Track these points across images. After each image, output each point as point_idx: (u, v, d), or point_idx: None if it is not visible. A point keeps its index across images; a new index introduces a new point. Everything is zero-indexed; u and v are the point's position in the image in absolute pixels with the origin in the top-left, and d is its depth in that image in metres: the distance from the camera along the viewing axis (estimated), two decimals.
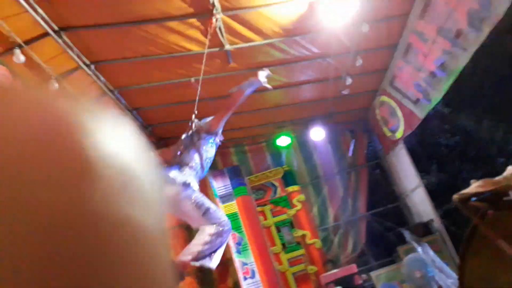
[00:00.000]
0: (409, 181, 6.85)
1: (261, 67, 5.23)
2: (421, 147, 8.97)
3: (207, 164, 3.27)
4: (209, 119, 3.37)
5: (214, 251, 2.96)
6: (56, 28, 3.81)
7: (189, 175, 3.08)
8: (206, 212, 2.99)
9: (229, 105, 3.23)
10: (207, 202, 3.05)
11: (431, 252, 5.69)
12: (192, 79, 4.93)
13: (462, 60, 4.56)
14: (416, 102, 5.83)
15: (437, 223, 6.29)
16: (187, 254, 2.90)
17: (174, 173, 3.04)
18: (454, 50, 4.55)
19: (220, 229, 2.98)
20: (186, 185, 3.01)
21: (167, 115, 5.90)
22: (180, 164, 3.15)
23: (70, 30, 3.91)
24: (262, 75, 3.25)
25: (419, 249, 5.71)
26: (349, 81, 5.84)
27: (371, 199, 7.45)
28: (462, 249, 2.10)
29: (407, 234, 6.05)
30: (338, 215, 7.27)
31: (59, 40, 3.87)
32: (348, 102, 6.63)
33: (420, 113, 5.85)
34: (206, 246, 2.90)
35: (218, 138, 3.36)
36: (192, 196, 3.00)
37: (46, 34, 3.77)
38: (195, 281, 6.58)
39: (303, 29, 4.73)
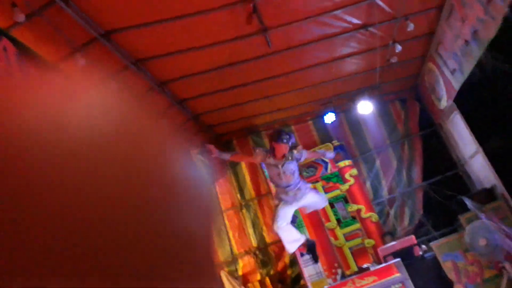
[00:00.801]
0: (467, 147, 6.56)
1: (301, 45, 5.24)
2: (481, 110, 8.45)
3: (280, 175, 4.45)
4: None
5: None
6: (102, 32, 4.03)
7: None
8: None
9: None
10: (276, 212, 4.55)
11: (495, 219, 5.46)
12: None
13: (491, 30, 4.29)
14: (453, 72, 5.62)
15: (501, 189, 6.01)
16: None
17: None
18: (485, 18, 4.28)
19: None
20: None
21: (214, 103, 6.07)
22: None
23: (116, 32, 4.12)
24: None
25: (482, 216, 5.50)
26: (398, 48, 5.63)
27: (427, 168, 7.20)
28: None
29: (468, 202, 5.83)
30: (392, 187, 7.15)
31: (107, 43, 4.09)
32: (395, 71, 6.42)
33: (456, 84, 5.66)
34: None
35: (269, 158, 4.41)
36: None
37: (94, 38, 4.00)
38: (254, 260, 6.83)
39: (341, 2, 4.63)
